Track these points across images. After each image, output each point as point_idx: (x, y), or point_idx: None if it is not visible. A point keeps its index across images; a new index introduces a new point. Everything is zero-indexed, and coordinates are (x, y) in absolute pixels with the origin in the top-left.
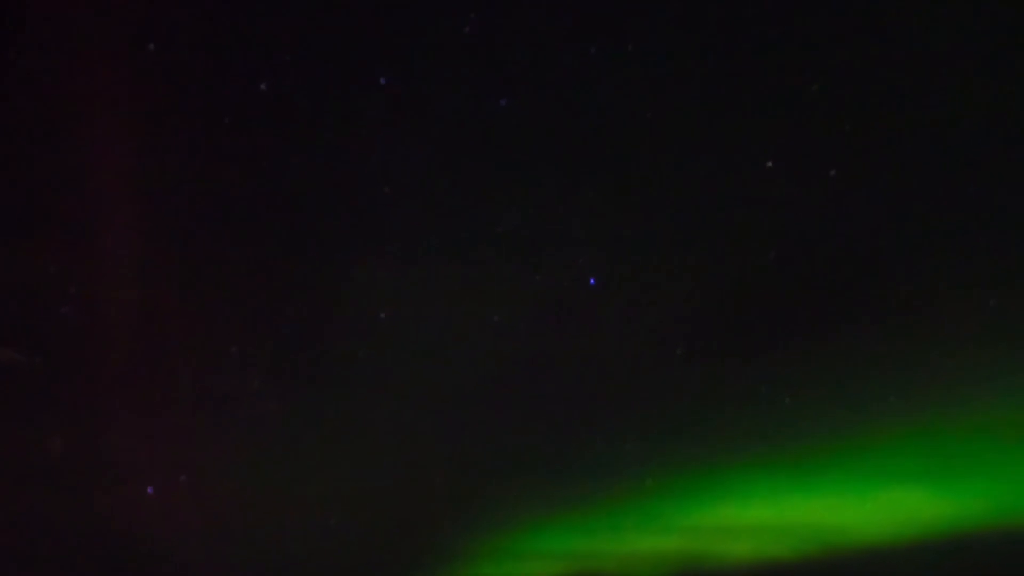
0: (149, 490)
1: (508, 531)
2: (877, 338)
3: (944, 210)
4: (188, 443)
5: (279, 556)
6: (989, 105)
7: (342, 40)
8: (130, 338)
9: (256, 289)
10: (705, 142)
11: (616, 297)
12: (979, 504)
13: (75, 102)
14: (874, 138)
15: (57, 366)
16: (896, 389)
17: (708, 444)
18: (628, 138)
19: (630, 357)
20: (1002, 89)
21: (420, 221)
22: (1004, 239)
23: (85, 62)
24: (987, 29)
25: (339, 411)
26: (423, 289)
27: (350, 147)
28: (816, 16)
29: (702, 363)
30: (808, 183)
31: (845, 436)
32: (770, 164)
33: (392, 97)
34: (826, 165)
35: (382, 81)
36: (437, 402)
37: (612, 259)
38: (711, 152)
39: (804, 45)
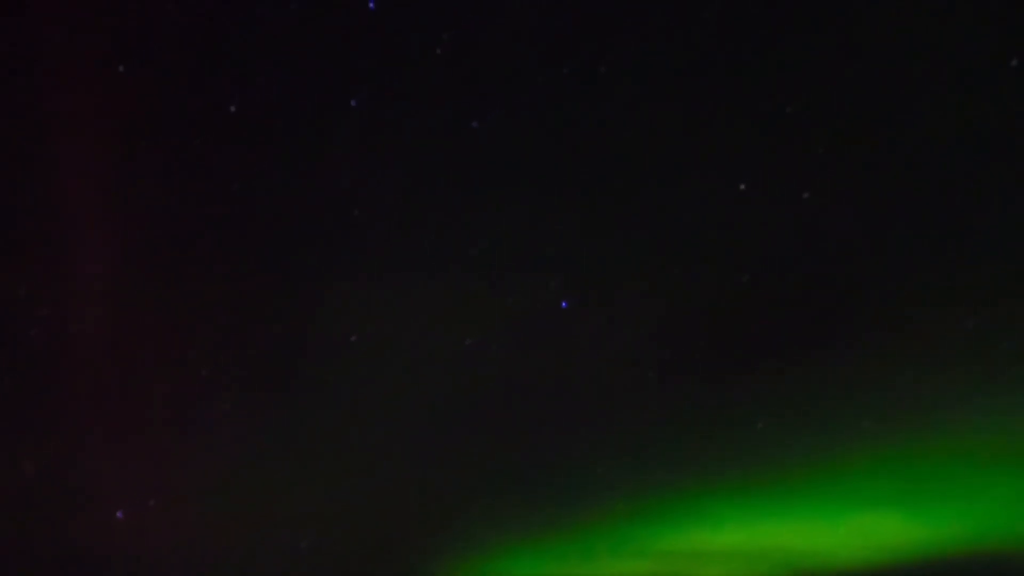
0: (119, 514)
1: (480, 556)
2: (850, 361)
3: (917, 233)
4: (159, 466)
5: None
6: (962, 127)
7: (313, 61)
8: (100, 361)
9: (227, 312)
10: (678, 164)
11: (588, 320)
12: (953, 528)
13: (45, 124)
14: (847, 161)
15: (26, 389)
16: (869, 413)
17: (680, 468)
18: (600, 161)
19: (602, 381)
20: (975, 111)
21: (391, 244)
22: (979, 261)
23: (54, 85)
24: (961, 52)
25: (310, 435)
26: (394, 312)
27: (321, 169)
28: (790, 38)
29: (674, 387)
30: (781, 206)
31: (818, 460)
32: (743, 187)
33: (363, 118)
34: (799, 188)
35: (353, 103)
36: (408, 426)
37: (584, 282)
38: (684, 174)
39: (777, 67)
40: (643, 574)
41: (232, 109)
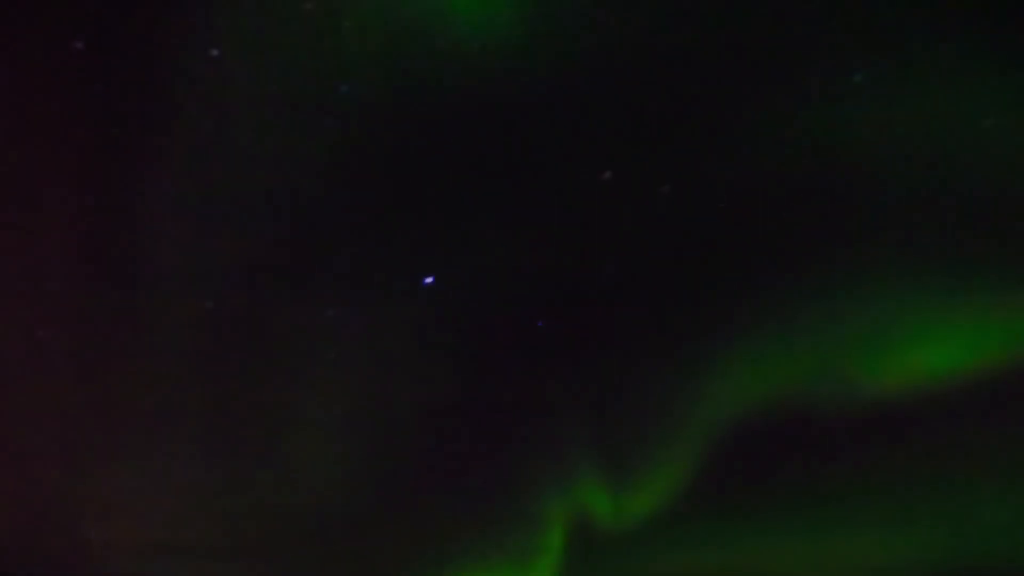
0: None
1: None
2: (832, 378)
3: (899, 253)
4: (129, 484)
5: None
6: (941, 147)
7: (288, 78)
8: (69, 377)
9: (197, 328)
10: (655, 180)
11: (567, 337)
12: (934, 550)
13: (17, 141)
14: (826, 180)
15: None
16: (850, 430)
17: (656, 490)
18: (576, 176)
19: (580, 399)
20: (953, 131)
21: (364, 262)
22: (957, 283)
23: (25, 100)
24: (940, 70)
25: (280, 456)
26: (368, 330)
27: (294, 185)
28: (766, 53)
29: (654, 404)
30: (762, 222)
31: (797, 481)
32: (722, 204)
33: (338, 133)
34: (779, 205)
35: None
36: (383, 443)
37: (564, 298)
38: (660, 189)
39: (753, 82)
40: None
41: (209, 124)
